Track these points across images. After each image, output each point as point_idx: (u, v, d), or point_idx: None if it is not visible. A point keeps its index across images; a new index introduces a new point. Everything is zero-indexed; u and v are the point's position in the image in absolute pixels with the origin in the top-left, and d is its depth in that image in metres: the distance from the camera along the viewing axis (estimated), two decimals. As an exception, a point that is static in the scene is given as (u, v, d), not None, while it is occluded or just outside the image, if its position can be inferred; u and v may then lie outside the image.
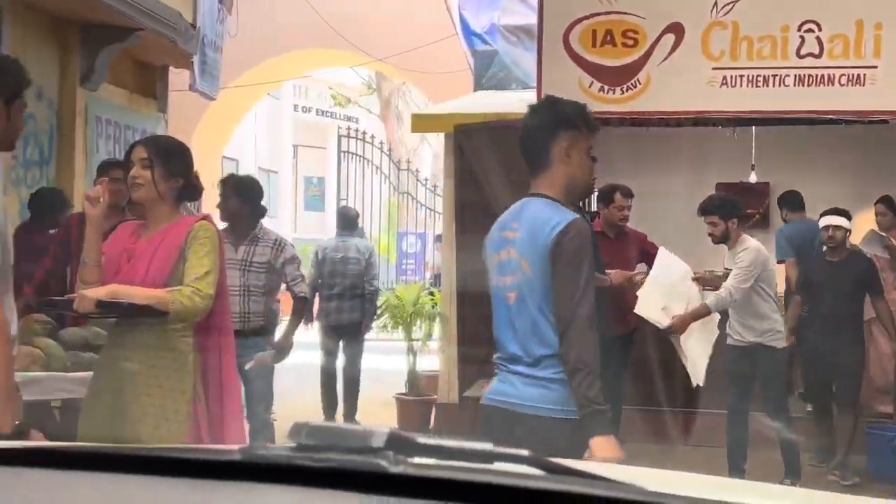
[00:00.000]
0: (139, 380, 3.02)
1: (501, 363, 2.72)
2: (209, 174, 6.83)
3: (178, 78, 8.78)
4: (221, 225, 4.54)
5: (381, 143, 15.10)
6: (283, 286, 5.19)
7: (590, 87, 6.36)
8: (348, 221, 7.85)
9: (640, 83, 6.33)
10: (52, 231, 5.63)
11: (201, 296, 3.00)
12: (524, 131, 2.72)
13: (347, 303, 7.49)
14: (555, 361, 2.56)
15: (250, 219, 4.98)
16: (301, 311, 5.21)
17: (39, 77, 6.57)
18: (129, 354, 3.06)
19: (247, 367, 4.80)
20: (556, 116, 2.69)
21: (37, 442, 1.98)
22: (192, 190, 3.23)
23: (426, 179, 15.91)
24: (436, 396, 7.22)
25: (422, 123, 7.81)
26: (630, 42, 6.32)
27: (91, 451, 0.85)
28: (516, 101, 6.96)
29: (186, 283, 3.01)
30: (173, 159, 3.14)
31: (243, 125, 17.24)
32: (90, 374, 3.52)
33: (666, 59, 6.28)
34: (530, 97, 6.16)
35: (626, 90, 6.37)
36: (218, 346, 3.20)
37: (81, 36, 7.20)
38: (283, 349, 5.11)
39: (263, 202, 5.11)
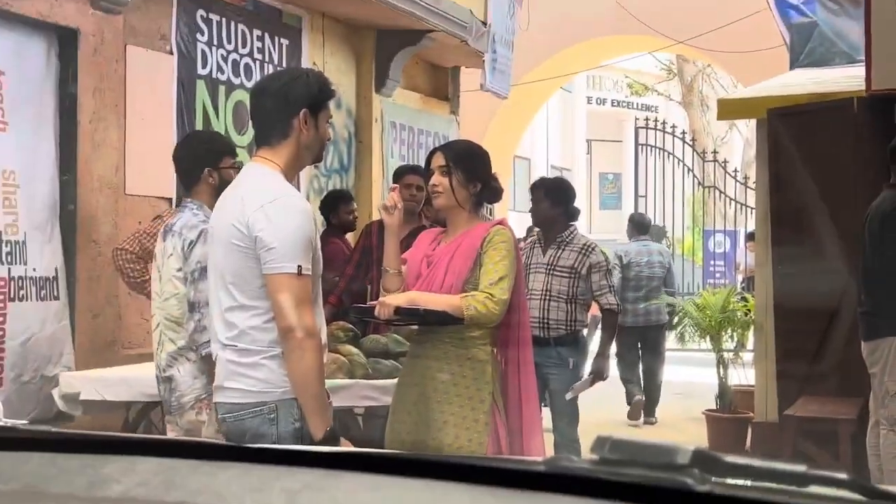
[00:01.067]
0: (440, 388, 3.24)
1: None
2: (502, 175, 7.09)
3: (469, 78, 9.19)
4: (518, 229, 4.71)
5: (684, 132, 14.79)
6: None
7: (934, 57, 5.80)
8: (643, 228, 8.64)
9: None
10: (345, 235, 6.19)
11: (494, 301, 3.15)
12: None
13: (650, 306, 8.10)
14: None
15: (560, 222, 5.13)
16: (611, 325, 5.21)
17: (338, 85, 7.18)
18: (430, 363, 3.28)
19: (567, 397, 4.92)
20: None
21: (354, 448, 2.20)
22: (492, 192, 3.42)
23: (735, 171, 15.35)
24: (751, 414, 6.94)
25: (730, 109, 7.55)
26: None
27: (399, 458, 0.95)
28: (841, 79, 6.56)
29: (481, 288, 3.18)
30: (471, 165, 3.34)
31: (535, 122, 17.64)
32: (391, 381, 3.80)
33: None
34: (857, 73, 5.77)
35: None
36: (516, 358, 3.36)
37: (376, 42, 7.76)
38: (601, 371, 5.08)
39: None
